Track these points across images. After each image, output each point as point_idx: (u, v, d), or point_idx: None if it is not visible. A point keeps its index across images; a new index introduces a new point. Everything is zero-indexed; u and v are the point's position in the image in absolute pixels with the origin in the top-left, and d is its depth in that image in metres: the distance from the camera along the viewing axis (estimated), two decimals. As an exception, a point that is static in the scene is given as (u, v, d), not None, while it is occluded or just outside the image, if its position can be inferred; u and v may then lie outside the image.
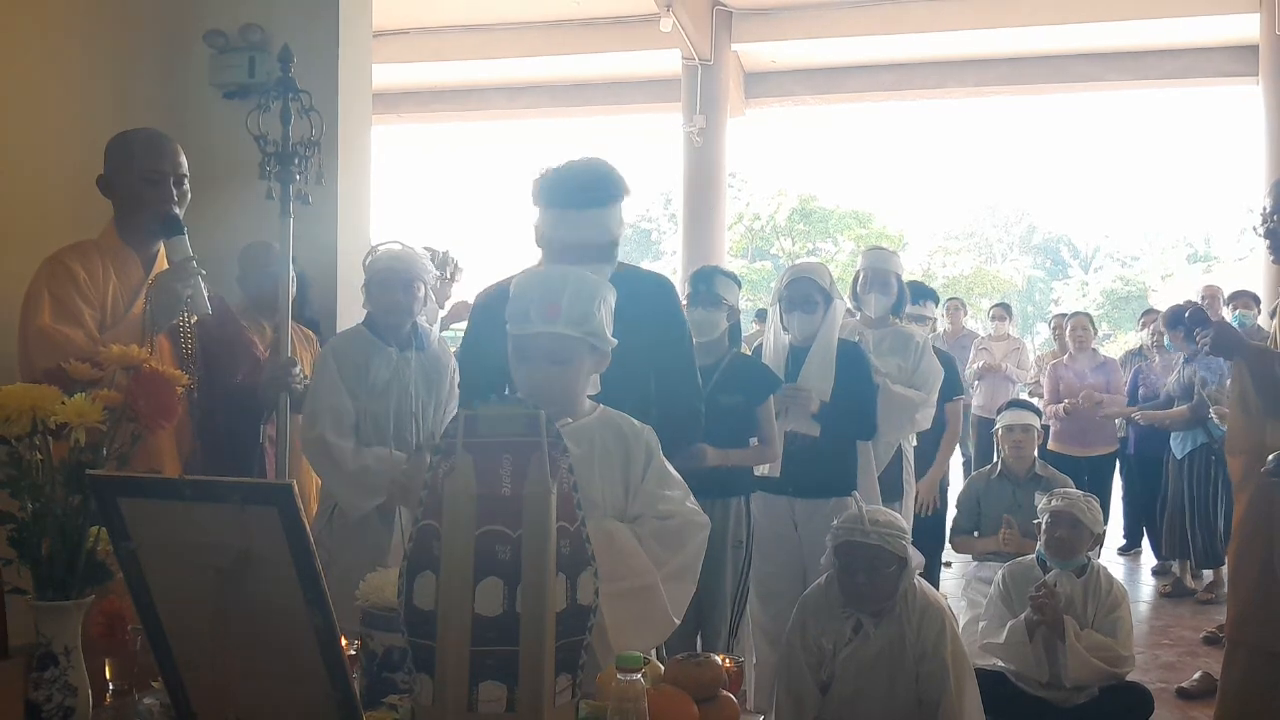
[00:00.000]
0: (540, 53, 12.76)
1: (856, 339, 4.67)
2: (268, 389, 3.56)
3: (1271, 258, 3.51)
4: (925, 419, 4.84)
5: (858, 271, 5.06)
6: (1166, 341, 7.73)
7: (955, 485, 6.37)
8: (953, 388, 5.94)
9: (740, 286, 4.29)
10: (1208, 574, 7.01)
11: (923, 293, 6.31)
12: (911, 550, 3.51)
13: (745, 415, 3.95)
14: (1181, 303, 3.73)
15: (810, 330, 4.28)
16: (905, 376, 4.75)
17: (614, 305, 2.34)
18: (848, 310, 4.79)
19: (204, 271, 3.29)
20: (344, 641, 1.96)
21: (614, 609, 2.04)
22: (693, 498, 2.36)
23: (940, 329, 9.64)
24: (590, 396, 2.39)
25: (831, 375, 4.23)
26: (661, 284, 3.19)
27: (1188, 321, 3.55)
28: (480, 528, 1.48)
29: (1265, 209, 3.45)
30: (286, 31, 5.21)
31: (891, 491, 4.78)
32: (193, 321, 3.42)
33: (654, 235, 41.72)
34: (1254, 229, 3.55)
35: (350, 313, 4.68)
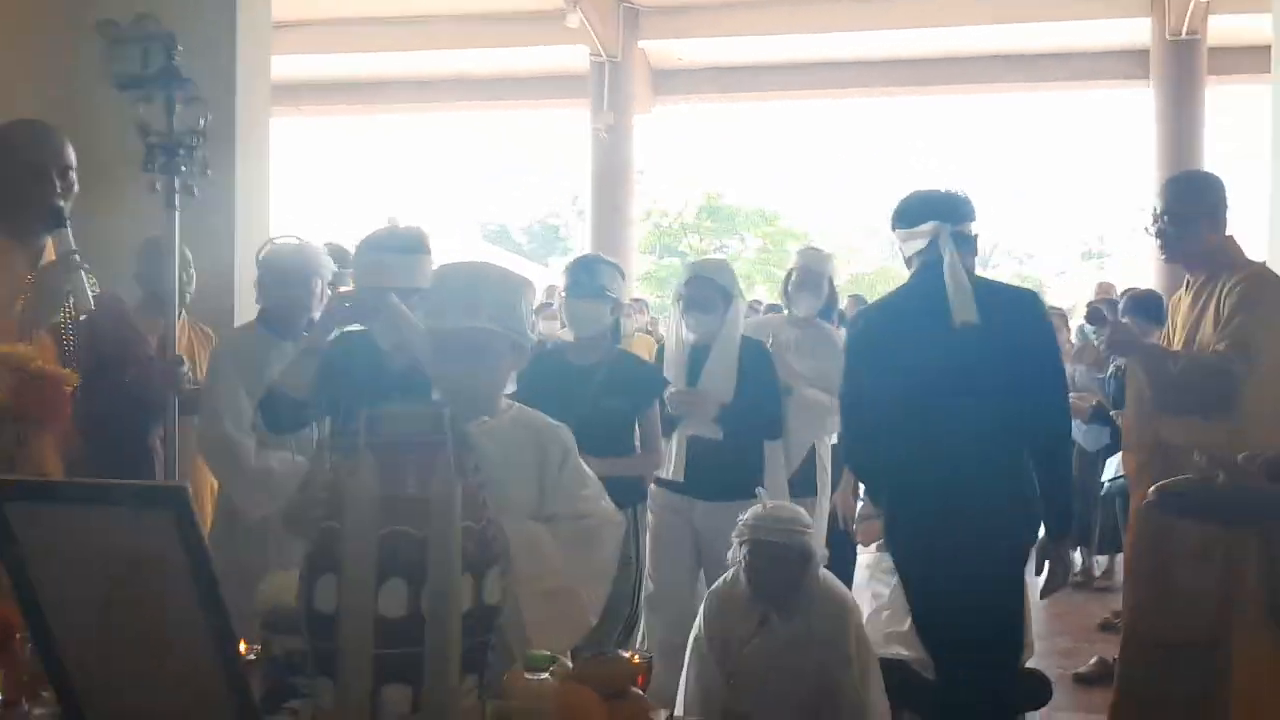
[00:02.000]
0: (445, 46, 12.67)
1: (768, 338, 4.63)
2: (156, 389, 3.47)
3: (1163, 256, 3.60)
4: (836, 424, 4.67)
5: (790, 269, 5.06)
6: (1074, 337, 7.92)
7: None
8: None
9: (624, 277, 4.08)
10: (1102, 559, 7.20)
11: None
12: (817, 544, 3.55)
13: (628, 419, 3.77)
14: (1093, 301, 3.78)
15: (710, 330, 4.16)
16: (823, 379, 4.63)
17: (533, 302, 2.33)
18: (771, 307, 4.80)
19: (88, 266, 3.08)
20: (244, 645, 1.92)
21: (534, 608, 2.03)
22: (607, 497, 2.35)
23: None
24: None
25: (734, 376, 4.12)
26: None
27: (1087, 320, 3.64)
28: (384, 528, 1.46)
29: (1155, 209, 3.54)
30: (182, 21, 5.09)
31: (804, 490, 4.69)
32: (76, 318, 3.18)
33: (561, 231, 41.59)
34: (1145, 229, 3.64)
35: (249, 309, 4.58)
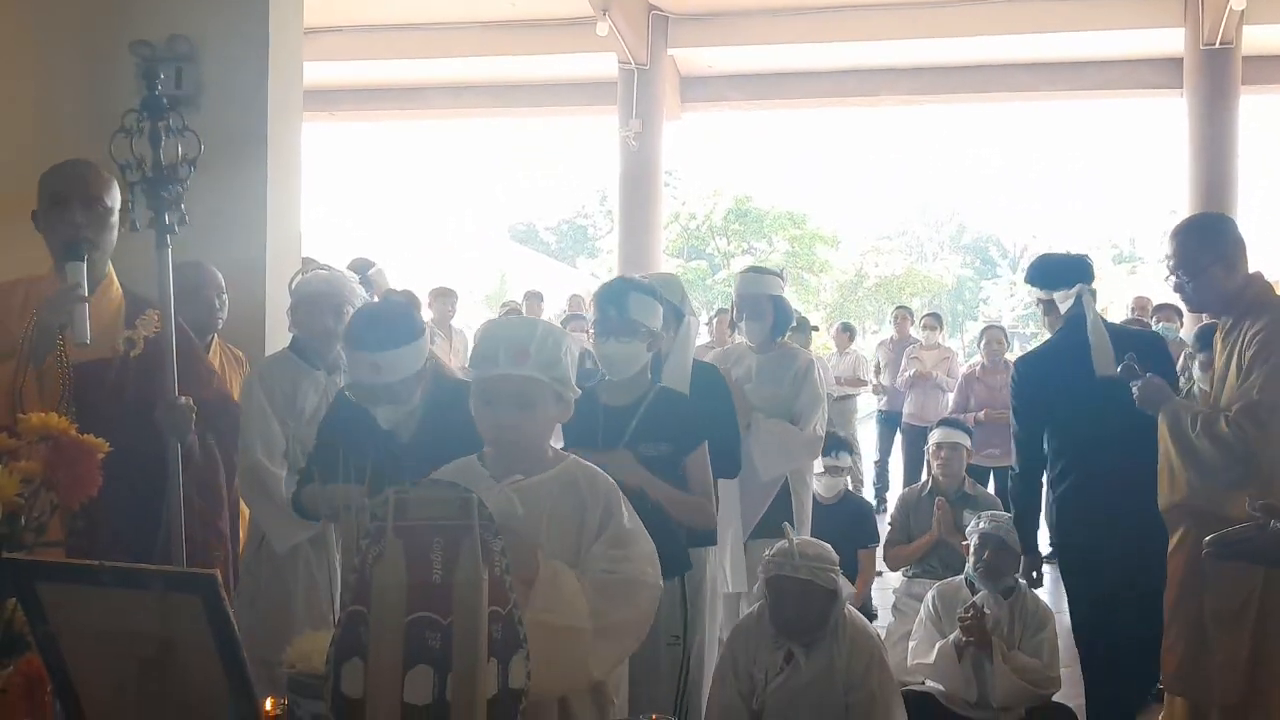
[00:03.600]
0: (476, 53, 12.69)
1: (729, 368, 4.31)
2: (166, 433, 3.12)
3: (1186, 309, 3.53)
4: (807, 451, 4.41)
5: (733, 298, 4.66)
6: None
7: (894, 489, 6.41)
8: (868, 534, 5.85)
9: (661, 301, 3.41)
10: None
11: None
12: (842, 581, 3.55)
13: (671, 465, 3.17)
14: (1126, 358, 3.69)
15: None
16: (784, 406, 4.30)
17: (577, 358, 2.32)
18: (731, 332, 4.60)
19: (89, 299, 2.93)
20: (271, 702, 1.94)
21: (533, 639, 1.99)
22: (656, 564, 2.25)
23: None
24: None
25: None
26: None
27: (1120, 376, 3.57)
28: (410, 614, 1.47)
29: (1169, 262, 3.44)
30: (215, 40, 5.14)
31: (776, 530, 4.07)
32: (65, 353, 2.99)
33: (590, 232, 41.65)
34: (1165, 279, 3.57)
35: (279, 324, 4.59)
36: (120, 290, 3.22)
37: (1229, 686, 3.18)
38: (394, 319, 2.93)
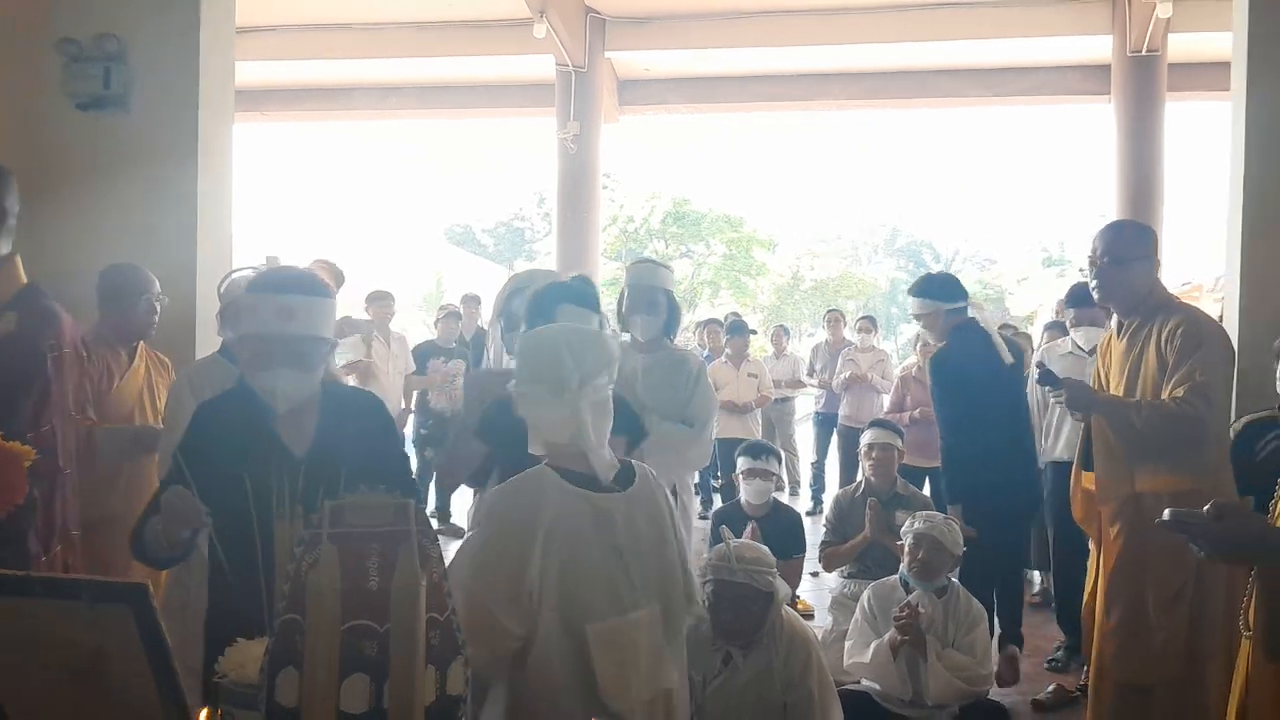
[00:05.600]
0: (412, 54, 12.59)
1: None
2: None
3: (1097, 295, 3.67)
4: (699, 457, 4.26)
5: (621, 289, 4.39)
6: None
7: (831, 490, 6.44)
8: (795, 543, 5.66)
9: (597, 308, 3.34)
10: (1036, 574, 7.22)
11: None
12: (779, 583, 3.58)
13: None
14: (1040, 363, 4.00)
15: None
16: (678, 409, 4.13)
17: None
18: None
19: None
20: (205, 712, 1.91)
21: None
22: None
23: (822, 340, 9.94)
24: None
25: None
26: None
27: (1039, 383, 3.73)
28: (346, 622, 1.45)
29: (1095, 250, 3.59)
30: (145, 39, 5.05)
31: None
32: None
33: (528, 234, 41.52)
34: (1080, 270, 3.74)
35: (208, 324, 4.52)
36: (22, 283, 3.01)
37: (1171, 664, 3.30)
38: (305, 273, 2.75)
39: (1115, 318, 3.73)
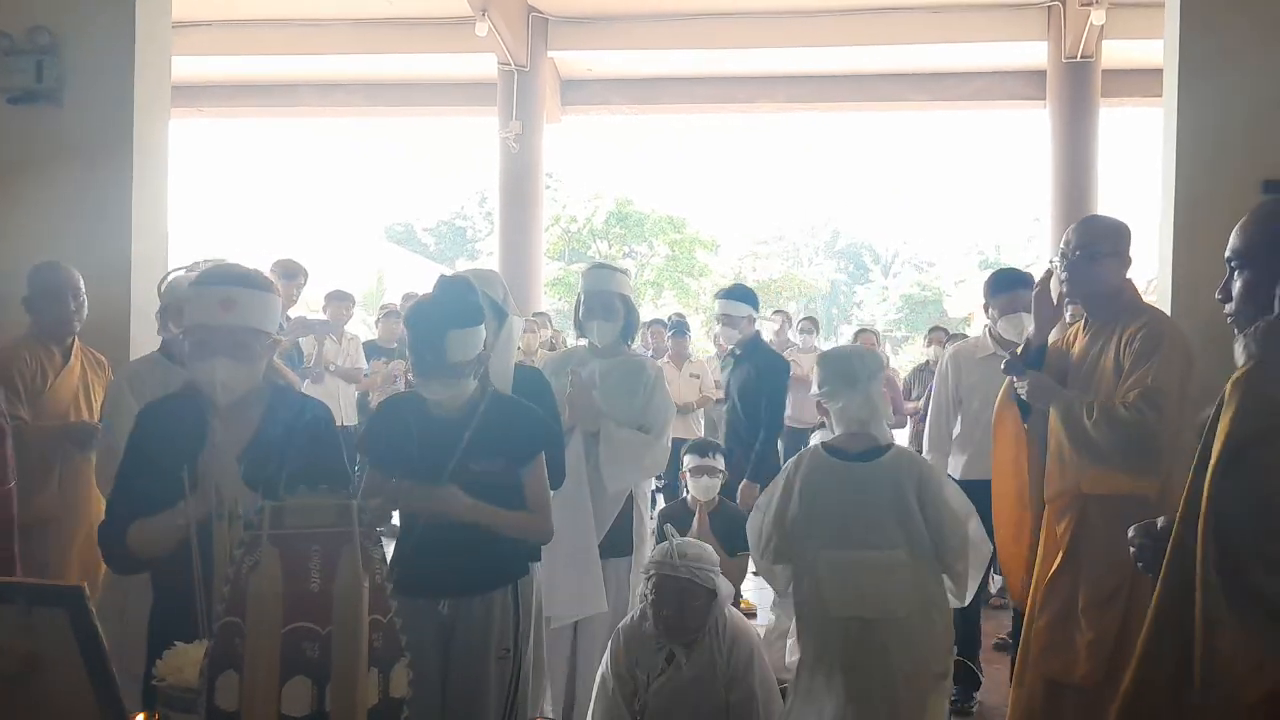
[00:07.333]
0: (351, 51, 12.48)
1: (567, 375, 4.09)
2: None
3: (1065, 290, 3.65)
4: (656, 463, 4.19)
5: (578, 295, 4.31)
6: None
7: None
8: (741, 540, 4.49)
9: (481, 317, 2.97)
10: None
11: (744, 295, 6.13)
12: (721, 581, 3.59)
13: (507, 481, 2.99)
14: (1010, 353, 3.80)
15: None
16: (637, 416, 4.09)
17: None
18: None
19: None
20: (142, 717, 1.88)
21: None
22: None
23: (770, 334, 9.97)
24: None
25: None
26: None
27: (1004, 369, 3.72)
28: (287, 624, 1.44)
29: (1067, 243, 3.60)
30: (79, 33, 4.96)
31: (620, 547, 4.13)
32: None
33: (469, 234, 41.28)
34: (1050, 261, 3.73)
35: (144, 320, 4.45)
36: None
37: (1095, 664, 3.34)
38: (249, 269, 2.74)
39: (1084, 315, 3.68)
